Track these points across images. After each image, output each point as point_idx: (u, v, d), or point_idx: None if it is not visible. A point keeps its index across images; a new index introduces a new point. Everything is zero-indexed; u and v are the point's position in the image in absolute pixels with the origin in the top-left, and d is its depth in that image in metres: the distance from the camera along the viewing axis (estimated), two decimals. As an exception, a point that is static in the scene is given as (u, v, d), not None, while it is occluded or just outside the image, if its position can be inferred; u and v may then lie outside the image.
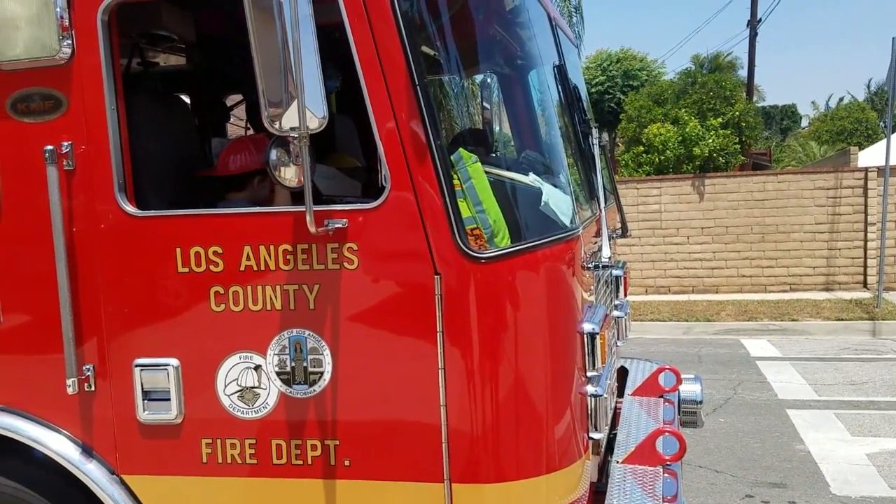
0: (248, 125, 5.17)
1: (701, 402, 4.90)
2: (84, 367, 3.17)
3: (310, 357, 3.00)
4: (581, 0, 17.29)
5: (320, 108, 2.72)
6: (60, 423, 3.23)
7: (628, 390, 4.78)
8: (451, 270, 2.88)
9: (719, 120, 16.68)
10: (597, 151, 3.87)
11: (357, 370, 2.99)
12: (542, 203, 3.11)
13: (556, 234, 3.14)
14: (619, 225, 5.01)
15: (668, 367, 4.84)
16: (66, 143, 3.10)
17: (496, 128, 4.23)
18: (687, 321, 12.89)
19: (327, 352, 2.99)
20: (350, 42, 2.89)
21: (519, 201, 3.21)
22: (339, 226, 2.90)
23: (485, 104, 4.18)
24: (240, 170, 3.54)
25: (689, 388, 4.87)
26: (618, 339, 4.76)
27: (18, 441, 3.23)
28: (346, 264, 2.95)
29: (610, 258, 3.64)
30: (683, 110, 16.97)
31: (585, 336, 3.23)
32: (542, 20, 3.98)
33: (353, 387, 2.99)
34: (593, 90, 29.19)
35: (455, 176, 2.92)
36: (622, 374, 5.09)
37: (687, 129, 16.37)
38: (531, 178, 3.21)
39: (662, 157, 16.52)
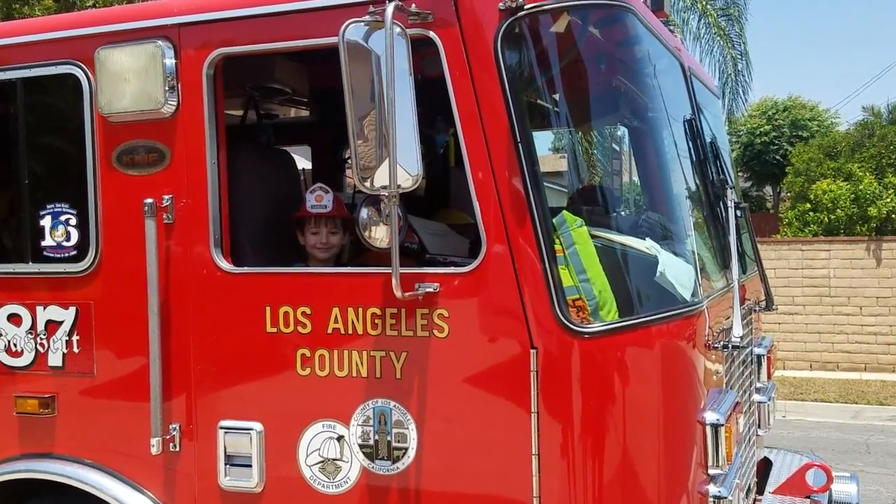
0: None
1: (857, 507, 4.42)
2: (170, 426, 3.23)
3: (394, 431, 2.92)
4: (747, 45, 16.66)
5: (414, 166, 2.69)
6: (145, 484, 3.30)
7: (770, 487, 4.38)
8: (548, 344, 2.74)
9: (900, 177, 15.55)
10: (731, 214, 3.62)
11: (443, 450, 2.88)
12: (658, 273, 2.92)
13: (674, 308, 2.94)
14: (762, 296, 4.67)
15: (817, 463, 4.41)
16: (166, 197, 3.22)
17: (611, 185, 4.07)
18: (856, 403, 11.87)
19: (412, 426, 2.90)
20: (450, 92, 2.85)
21: (631, 271, 3.03)
22: (430, 290, 2.83)
23: (598, 160, 4.04)
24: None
25: (843, 489, 4.41)
26: (759, 427, 4.40)
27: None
28: (436, 332, 2.87)
29: (742, 337, 3.36)
30: (858, 165, 15.97)
31: (707, 427, 2.97)
32: (673, 70, 3.81)
33: (438, 468, 2.88)
34: (757, 140, 28.09)
35: (557, 240, 2.80)
36: (764, 466, 4.68)
37: (861, 187, 15.35)
38: (647, 245, 3.02)
39: (832, 217, 15.55)
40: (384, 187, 2.65)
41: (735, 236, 3.59)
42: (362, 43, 2.68)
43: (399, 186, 2.65)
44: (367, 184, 2.68)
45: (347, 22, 2.67)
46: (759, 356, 4.41)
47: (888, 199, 15.24)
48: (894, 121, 22.69)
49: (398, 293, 2.72)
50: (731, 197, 3.75)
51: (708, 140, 3.99)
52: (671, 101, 3.64)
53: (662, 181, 3.67)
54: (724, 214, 3.74)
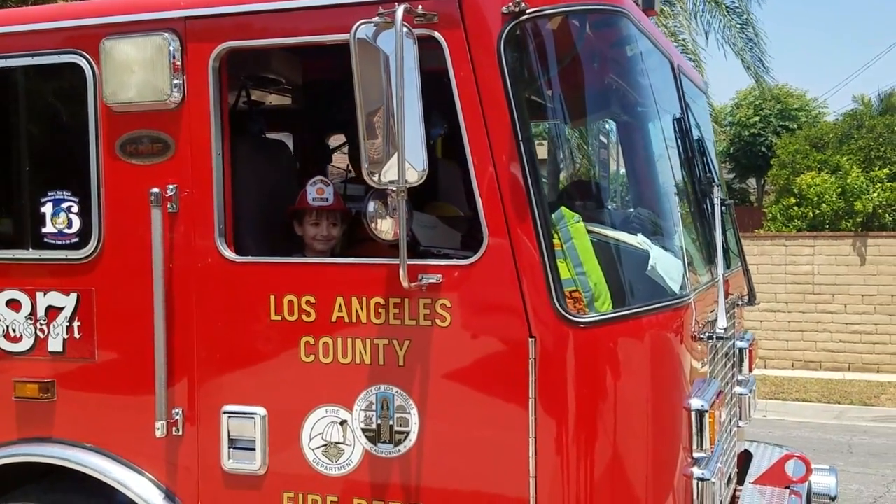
0: (350, 167, 5.57)
1: (835, 498, 4.85)
2: (173, 411, 3.54)
3: (396, 416, 3.27)
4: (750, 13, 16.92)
5: (420, 162, 3.02)
6: (146, 467, 3.62)
7: (750, 477, 4.80)
8: (546, 334, 3.11)
9: (887, 171, 16.14)
10: (717, 210, 4.02)
11: (444, 433, 3.24)
12: (649, 267, 3.30)
13: (664, 300, 3.32)
14: (745, 291, 5.09)
15: (797, 454, 4.84)
16: (171, 186, 3.53)
17: (605, 182, 4.46)
18: (839, 404, 12.43)
19: (414, 411, 3.25)
20: (452, 86, 3.18)
21: (624, 264, 3.41)
22: (433, 281, 3.18)
23: (594, 157, 4.42)
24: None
25: (822, 480, 4.84)
26: (740, 419, 4.82)
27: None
28: (438, 321, 3.22)
29: (726, 329, 3.77)
30: (846, 157, 16.53)
31: (693, 413, 3.37)
32: (664, 68, 4.19)
33: (438, 451, 3.24)
34: (746, 132, 28.62)
35: (556, 235, 3.16)
36: (745, 458, 5.11)
37: (848, 180, 15.91)
38: (639, 240, 3.40)
39: (817, 211, 16.10)
40: (392, 182, 2.98)
41: (720, 232, 3.99)
42: (372, 42, 3.00)
43: (406, 181, 2.98)
44: (376, 178, 3.00)
45: (359, 22, 2.98)
46: (741, 349, 4.83)
47: (875, 194, 15.79)
48: (885, 111, 23.40)
49: (405, 283, 3.06)
50: (717, 193, 4.16)
51: (695, 137, 4.38)
52: (662, 99, 4.02)
53: (652, 177, 4.06)
54: (710, 210, 4.14)
